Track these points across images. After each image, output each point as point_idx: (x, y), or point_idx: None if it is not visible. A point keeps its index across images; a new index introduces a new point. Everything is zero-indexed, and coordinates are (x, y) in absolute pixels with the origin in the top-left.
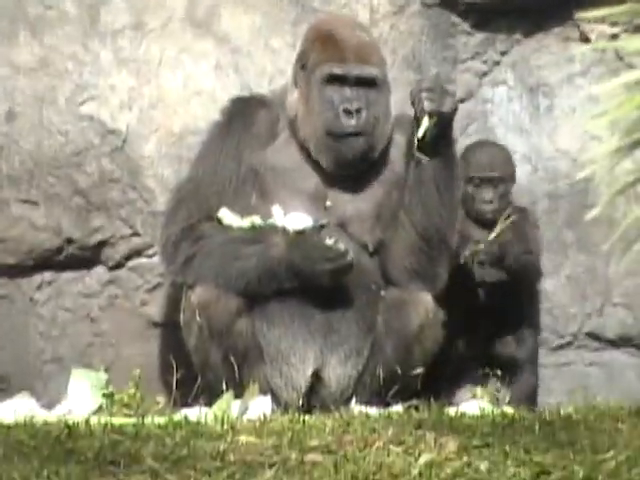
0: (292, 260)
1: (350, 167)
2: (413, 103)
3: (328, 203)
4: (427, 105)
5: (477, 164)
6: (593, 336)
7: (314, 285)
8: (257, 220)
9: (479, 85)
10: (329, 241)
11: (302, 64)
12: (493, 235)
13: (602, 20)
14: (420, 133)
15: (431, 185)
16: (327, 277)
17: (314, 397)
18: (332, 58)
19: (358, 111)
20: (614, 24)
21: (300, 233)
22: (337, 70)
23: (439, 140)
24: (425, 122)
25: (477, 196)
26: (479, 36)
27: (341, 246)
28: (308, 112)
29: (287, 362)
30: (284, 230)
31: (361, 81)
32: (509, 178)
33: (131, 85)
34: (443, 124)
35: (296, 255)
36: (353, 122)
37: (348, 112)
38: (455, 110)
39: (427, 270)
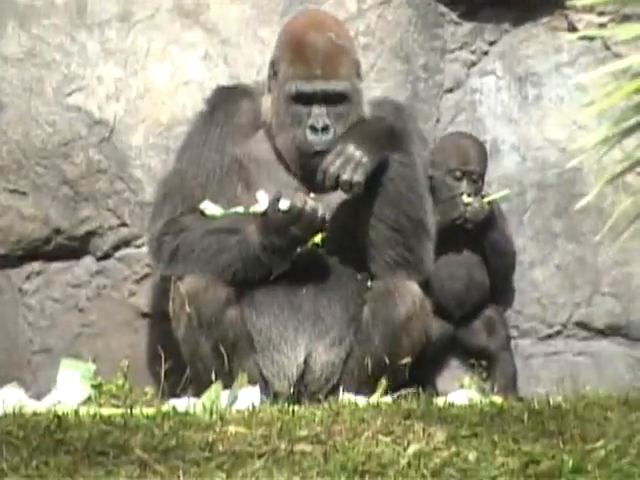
0: (268, 241)
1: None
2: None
3: (312, 195)
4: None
5: (460, 156)
6: (582, 325)
7: (300, 256)
8: (239, 210)
9: (467, 75)
10: (284, 204)
11: (274, 70)
12: (487, 199)
13: (590, 9)
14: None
15: (396, 182)
16: (300, 235)
17: (299, 383)
18: (300, 74)
19: (325, 128)
20: (601, 13)
21: (264, 214)
22: (304, 88)
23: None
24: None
25: (455, 189)
26: (467, 26)
27: (297, 203)
28: (279, 125)
29: (278, 350)
30: (264, 213)
31: (329, 97)
32: (484, 174)
33: (118, 76)
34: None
35: (268, 235)
36: (321, 140)
37: (315, 130)
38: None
39: (408, 259)
